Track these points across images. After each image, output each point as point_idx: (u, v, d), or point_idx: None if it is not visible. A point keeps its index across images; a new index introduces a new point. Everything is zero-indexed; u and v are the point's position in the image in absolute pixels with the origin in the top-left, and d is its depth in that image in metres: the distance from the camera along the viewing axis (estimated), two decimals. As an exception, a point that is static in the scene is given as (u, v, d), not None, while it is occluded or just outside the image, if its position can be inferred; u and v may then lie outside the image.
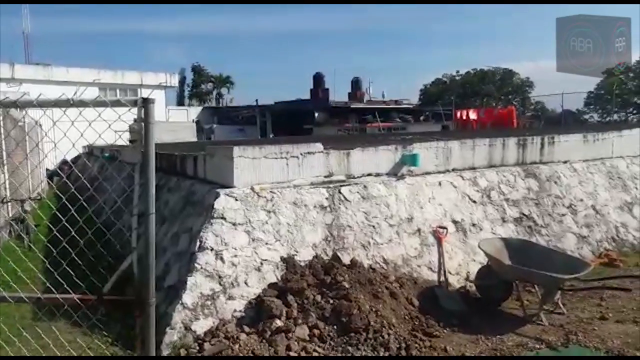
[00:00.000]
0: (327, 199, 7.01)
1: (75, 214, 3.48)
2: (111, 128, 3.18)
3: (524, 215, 8.49)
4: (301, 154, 7.19)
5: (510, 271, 6.29)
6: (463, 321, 5.91)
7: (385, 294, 5.90)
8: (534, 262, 6.21)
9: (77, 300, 3.18)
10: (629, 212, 9.61)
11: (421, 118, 39.99)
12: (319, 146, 7.42)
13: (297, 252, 6.41)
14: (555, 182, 9.23)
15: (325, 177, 7.37)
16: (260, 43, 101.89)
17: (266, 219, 6.49)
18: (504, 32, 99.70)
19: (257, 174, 6.82)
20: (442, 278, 6.70)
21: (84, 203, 3.46)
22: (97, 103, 3.04)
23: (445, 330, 5.68)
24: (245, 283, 5.91)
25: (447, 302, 6.34)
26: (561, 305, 6.24)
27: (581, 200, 9.24)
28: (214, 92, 57.56)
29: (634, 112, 37.89)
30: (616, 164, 10.31)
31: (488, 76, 47.15)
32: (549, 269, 5.95)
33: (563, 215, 8.86)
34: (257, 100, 39.54)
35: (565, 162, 9.80)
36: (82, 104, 3.01)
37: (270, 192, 6.74)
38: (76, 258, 3.49)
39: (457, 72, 50.28)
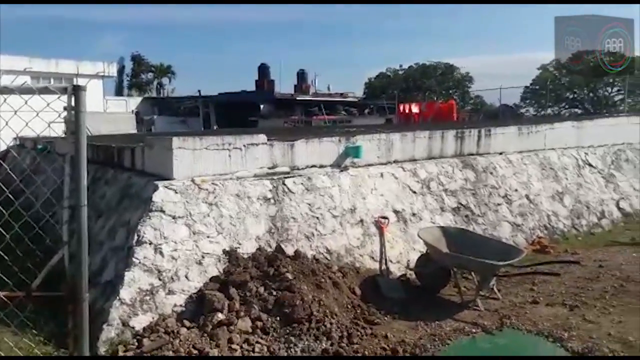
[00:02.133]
0: (270, 190, 6.97)
1: (2, 209, 3.29)
2: (40, 117, 3.02)
3: (462, 205, 8.77)
4: (244, 146, 7.11)
5: (448, 259, 6.49)
6: (403, 308, 6.06)
7: (328, 284, 5.95)
8: (471, 249, 6.43)
9: (4, 298, 3.03)
10: (559, 202, 10.11)
11: (366, 111, 40.37)
12: (262, 137, 7.36)
13: (240, 244, 6.35)
14: (491, 173, 9.58)
15: (269, 168, 7.33)
16: (203, 33, 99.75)
17: (208, 212, 6.39)
18: (442, 29, 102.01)
19: (198, 166, 6.70)
20: (384, 267, 6.83)
21: (11, 196, 3.27)
22: (23, 90, 2.89)
23: (386, 318, 5.80)
24: (186, 277, 5.80)
25: (388, 290, 6.48)
26: (496, 291, 6.49)
27: (516, 190, 9.64)
28: (155, 82, 55.89)
29: (566, 106, 39.82)
30: (548, 156, 10.81)
31: (430, 71, 48.12)
32: (485, 256, 6.17)
33: (498, 204, 9.21)
34: (199, 91, 38.59)
35: (500, 153, 10.18)
36: (6, 90, 2.85)
37: (212, 184, 6.63)
38: (3, 254, 3.32)
39: (401, 66, 50.98)
